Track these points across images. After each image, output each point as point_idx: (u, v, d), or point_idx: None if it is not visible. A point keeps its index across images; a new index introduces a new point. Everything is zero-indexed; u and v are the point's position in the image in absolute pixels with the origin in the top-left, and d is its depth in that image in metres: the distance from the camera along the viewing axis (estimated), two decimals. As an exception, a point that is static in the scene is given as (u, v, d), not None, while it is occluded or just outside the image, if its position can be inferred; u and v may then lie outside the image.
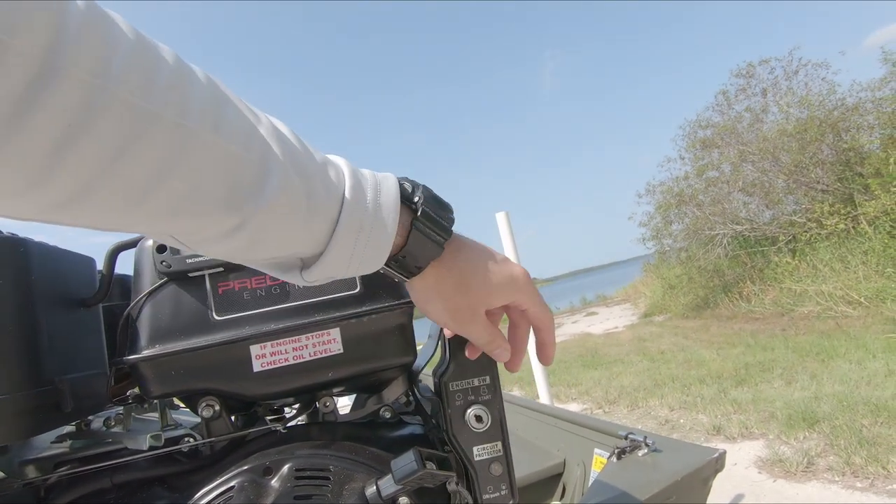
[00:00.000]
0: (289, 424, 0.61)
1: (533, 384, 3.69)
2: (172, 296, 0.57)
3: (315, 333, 0.57)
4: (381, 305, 0.59)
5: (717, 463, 1.07)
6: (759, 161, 8.74)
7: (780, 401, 3.80)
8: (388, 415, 0.67)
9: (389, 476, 0.49)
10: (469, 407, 0.57)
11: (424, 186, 0.42)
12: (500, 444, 0.57)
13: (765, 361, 5.03)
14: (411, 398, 0.69)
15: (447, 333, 0.57)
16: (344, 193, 0.37)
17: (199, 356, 0.55)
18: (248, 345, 0.55)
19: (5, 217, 0.28)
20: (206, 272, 0.56)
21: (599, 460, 1.49)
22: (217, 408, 0.58)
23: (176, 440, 0.61)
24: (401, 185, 0.41)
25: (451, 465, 0.54)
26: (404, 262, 0.41)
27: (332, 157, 0.39)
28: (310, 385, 0.59)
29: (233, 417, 0.65)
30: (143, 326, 0.56)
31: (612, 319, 12.01)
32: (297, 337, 0.57)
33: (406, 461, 0.49)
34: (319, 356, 0.57)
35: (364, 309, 0.59)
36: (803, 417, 3.38)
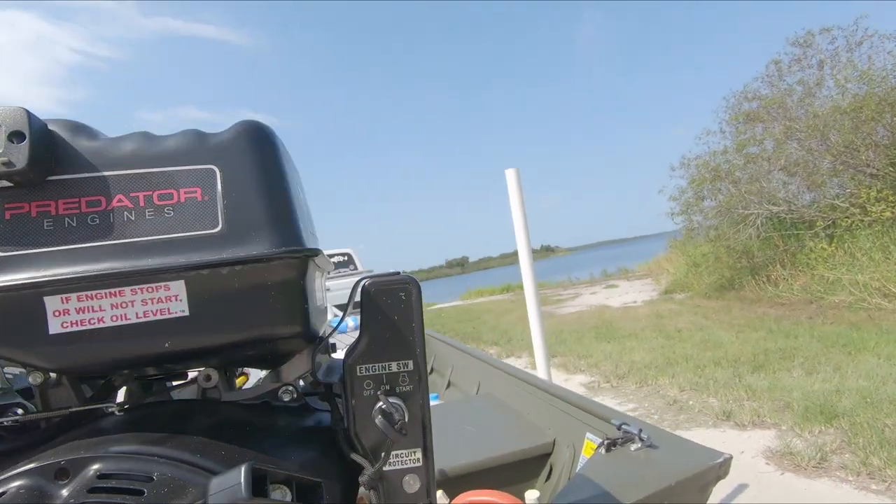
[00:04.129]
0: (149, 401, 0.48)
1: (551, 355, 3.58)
2: None
3: (147, 286, 0.41)
4: (253, 254, 0.42)
5: (721, 469, 0.94)
6: (806, 139, 8.16)
7: (799, 391, 3.62)
8: (286, 397, 0.53)
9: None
10: (378, 399, 0.44)
11: None
12: (419, 451, 0.44)
13: (786, 349, 4.80)
14: (319, 380, 0.54)
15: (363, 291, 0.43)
16: None
17: None
18: (40, 295, 0.39)
19: None
20: None
21: (590, 445, 1.37)
22: (52, 374, 0.44)
23: (2, 409, 0.48)
24: None
25: (322, 495, 0.40)
26: None
27: None
28: (138, 358, 0.43)
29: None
30: None
31: (631, 293, 11.76)
32: (118, 289, 0.40)
33: (227, 483, 0.33)
34: (152, 318, 0.41)
35: (225, 257, 0.42)
36: (821, 410, 3.20)
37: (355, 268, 8.39)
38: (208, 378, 0.49)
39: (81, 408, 0.46)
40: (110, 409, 0.46)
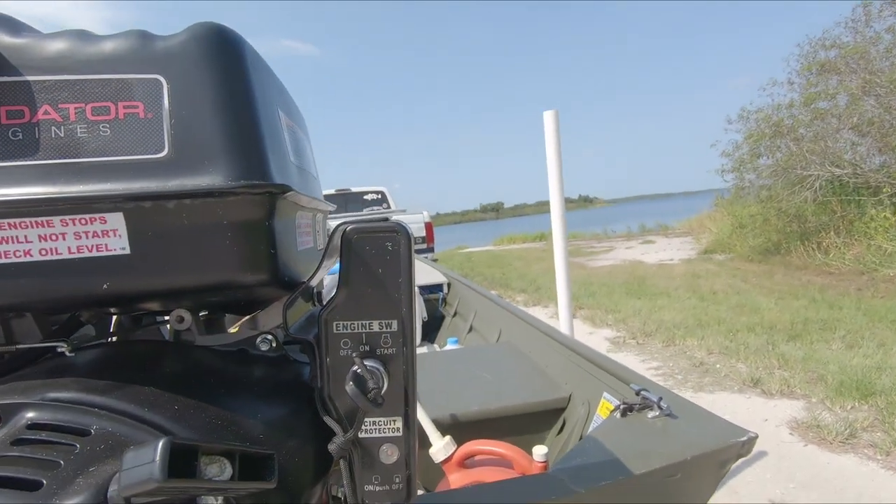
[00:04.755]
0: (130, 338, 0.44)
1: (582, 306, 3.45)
2: None
3: (80, 217, 0.35)
4: (203, 186, 0.35)
5: (743, 447, 0.87)
6: (885, 95, 7.38)
7: (835, 364, 3.47)
8: (264, 346, 0.48)
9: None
10: (355, 362, 0.38)
11: None
12: (400, 420, 0.40)
13: (828, 320, 4.58)
14: (291, 333, 0.48)
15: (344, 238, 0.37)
16: None
17: None
18: None
19: None
20: None
21: (606, 405, 1.33)
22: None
23: None
24: None
25: (273, 469, 0.35)
26: None
27: None
28: (74, 299, 0.38)
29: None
30: None
31: (668, 251, 11.40)
32: (46, 219, 0.35)
33: (141, 459, 0.28)
34: (87, 255, 0.36)
35: (170, 188, 0.35)
36: (857, 386, 3.07)
37: (388, 206, 8.36)
38: (181, 319, 0.45)
39: (30, 345, 0.42)
40: (60, 350, 0.42)
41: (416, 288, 0.40)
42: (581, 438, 1.38)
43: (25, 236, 0.35)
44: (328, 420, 0.39)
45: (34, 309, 0.43)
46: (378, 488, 0.40)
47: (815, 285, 6.22)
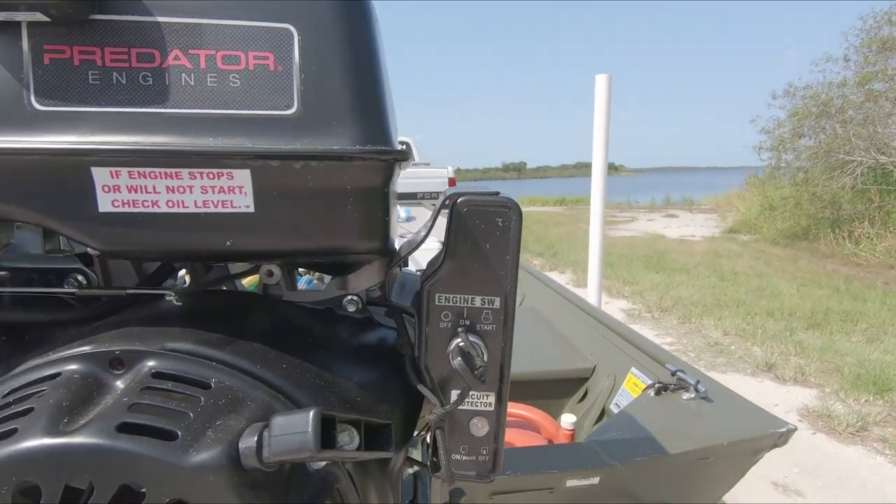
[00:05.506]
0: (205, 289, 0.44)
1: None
2: None
3: (208, 171, 0.34)
4: (334, 149, 0.34)
5: (780, 438, 0.88)
6: (949, 81, 6.94)
7: (854, 357, 3.45)
8: (351, 308, 0.48)
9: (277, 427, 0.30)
10: (457, 335, 0.38)
11: None
12: (493, 396, 0.40)
13: (851, 311, 4.52)
14: (392, 301, 0.48)
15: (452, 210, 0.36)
16: None
17: (7, 165, 0.33)
18: (87, 165, 0.34)
19: None
20: (23, 17, 0.32)
21: (635, 381, 1.34)
22: None
23: (61, 274, 0.44)
24: None
25: (390, 438, 0.35)
26: None
27: None
28: (195, 253, 0.38)
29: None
30: None
31: (691, 227, 11.20)
32: (175, 170, 0.34)
33: (293, 428, 0.29)
34: (213, 210, 0.35)
35: (301, 147, 0.34)
36: (874, 381, 3.05)
37: (413, 158, 8.27)
38: (270, 274, 0.44)
39: (139, 291, 0.43)
40: (168, 296, 0.43)
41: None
42: (603, 410, 1.40)
43: (154, 187, 0.34)
44: (423, 389, 0.40)
45: (154, 259, 0.43)
46: (465, 458, 0.41)
47: (841, 275, 6.10)
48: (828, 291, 5.30)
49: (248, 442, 0.29)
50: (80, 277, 0.44)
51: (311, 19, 0.35)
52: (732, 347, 3.79)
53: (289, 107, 0.35)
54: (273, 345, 0.39)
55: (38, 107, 0.33)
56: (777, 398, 3.00)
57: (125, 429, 0.29)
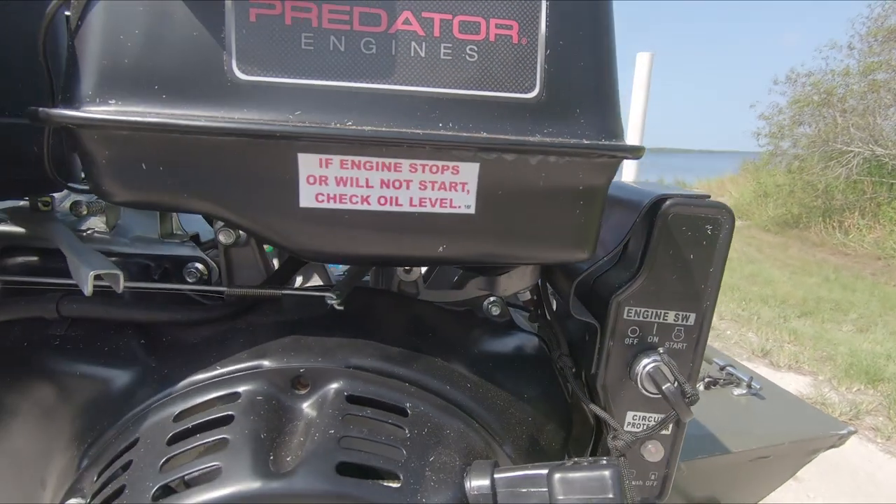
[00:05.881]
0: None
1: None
2: (155, 6, 0.26)
3: (432, 164, 0.28)
4: (584, 143, 0.28)
5: (839, 440, 0.87)
6: (951, 75, 6.95)
7: (846, 346, 3.53)
8: (495, 311, 0.43)
9: (514, 474, 0.26)
10: (645, 353, 0.34)
11: None
12: (669, 417, 0.36)
13: (841, 301, 4.61)
14: (539, 300, 0.44)
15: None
16: None
17: (192, 147, 0.27)
18: (293, 150, 0.28)
19: None
20: None
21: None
22: (243, 233, 0.35)
23: (178, 263, 0.39)
24: None
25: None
26: None
27: None
28: (401, 259, 0.33)
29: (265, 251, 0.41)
30: (86, 49, 0.27)
31: (683, 209, 11.28)
32: (395, 161, 0.28)
33: (596, 489, 0.24)
34: (429, 210, 0.29)
35: (540, 141, 0.28)
36: (866, 371, 3.13)
37: None
38: (409, 270, 0.40)
39: (300, 291, 0.38)
40: (330, 300, 0.37)
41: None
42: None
43: (367, 179, 0.28)
44: (597, 409, 0.36)
45: (351, 262, 0.38)
46: (633, 482, 0.38)
47: (830, 264, 6.21)
48: (818, 280, 5.40)
49: (478, 485, 0.26)
50: (199, 267, 0.38)
51: None
52: (728, 332, 3.85)
53: (530, 89, 0.29)
54: (446, 357, 0.35)
55: (239, 75, 0.26)
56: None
57: (342, 469, 0.24)
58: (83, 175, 0.35)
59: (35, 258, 0.39)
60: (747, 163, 12.23)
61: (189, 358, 0.33)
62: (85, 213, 0.42)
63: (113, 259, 0.38)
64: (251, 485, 0.23)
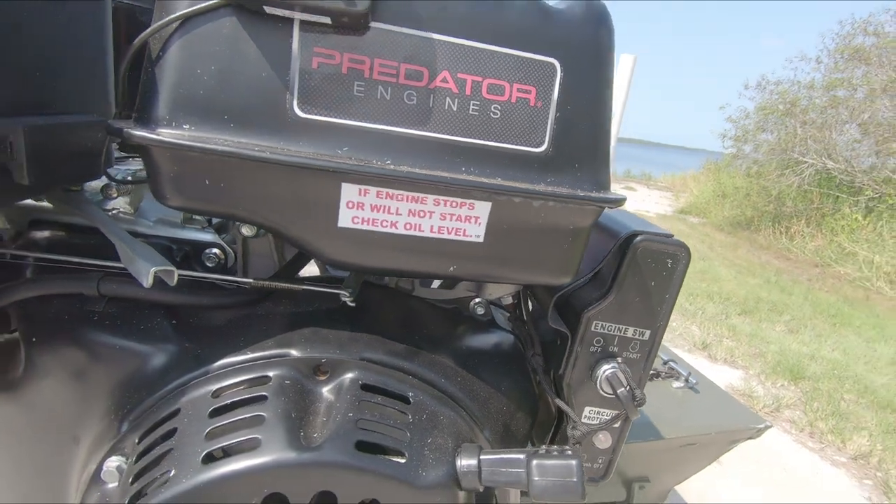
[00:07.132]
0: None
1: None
2: (226, 37, 0.30)
3: (452, 200, 0.34)
4: (578, 193, 0.35)
5: (756, 433, 0.99)
6: (902, 99, 7.39)
7: (776, 345, 3.83)
8: (480, 311, 0.49)
9: (497, 456, 0.32)
10: (606, 360, 0.41)
11: None
12: (623, 416, 0.43)
13: (778, 303, 4.96)
14: (519, 304, 0.50)
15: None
16: None
17: (253, 170, 0.32)
18: (338, 179, 0.32)
19: None
20: (298, 13, 0.29)
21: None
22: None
23: (198, 247, 0.43)
24: None
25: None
26: None
27: None
28: (414, 273, 0.39)
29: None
30: (166, 78, 0.31)
31: (646, 202, 11.65)
32: (422, 195, 0.33)
33: (560, 473, 0.31)
34: (445, 237, 0.35)
35: (544, 189, 0.34)
36: (791, 369, 3.42)
37: None
38: None
39: (315, 287, 0.42)
40: (344, 297, 0.42)
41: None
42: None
43: (397, 209, 0.33)
44: (561, 404, 0.42)
45: (375, 273, 0.42)
46: (584, 465, 0.45)
47: (773, 267, 6.63)
48: (760, 281, 5.76)
49: (467, 464, 0.31)
50: (217, 252, 0.42)
51: (573, 53, 0.33)
52: (674, 324, 4.10)
53: (540, 144, 0.34)
54: (439, 352, 0.41)
55: (299, 113, 0.31)
56: (708, 375, 3.31)
57: (360, 446, 0.30)
58: (146, 179, 0.38)
59: (62, 233, 0.42)
60: (710, 162, 12.69)
61: (220, 341, 0.38)
62: (115, 195, 0.45)
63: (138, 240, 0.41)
64: (289, 454, 0.28)
